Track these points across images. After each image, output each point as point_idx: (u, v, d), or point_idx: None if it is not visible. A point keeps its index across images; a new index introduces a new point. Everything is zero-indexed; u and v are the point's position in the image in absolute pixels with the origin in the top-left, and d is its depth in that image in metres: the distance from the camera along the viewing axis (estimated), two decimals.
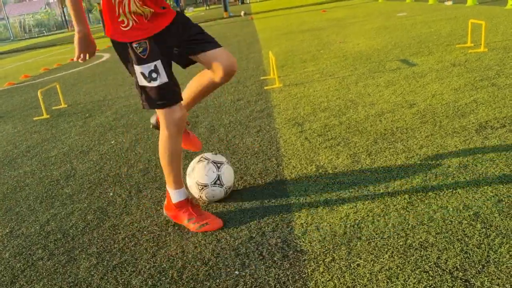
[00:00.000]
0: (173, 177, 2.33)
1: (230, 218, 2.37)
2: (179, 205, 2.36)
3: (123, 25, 2.10)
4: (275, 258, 1.97)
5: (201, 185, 2.51)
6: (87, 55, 2.16)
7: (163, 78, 2.11)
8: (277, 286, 1.79)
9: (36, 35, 50.31)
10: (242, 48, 9.14)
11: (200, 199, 2.58)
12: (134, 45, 2.09)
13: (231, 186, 2.59)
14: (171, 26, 2.20)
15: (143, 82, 2.13)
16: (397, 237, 1.97)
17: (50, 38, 34.79)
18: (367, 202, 2.31)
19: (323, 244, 2.02)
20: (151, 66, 2.09)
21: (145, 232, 2.38)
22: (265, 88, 5.19)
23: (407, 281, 1.70)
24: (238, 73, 6.37)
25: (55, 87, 6.46)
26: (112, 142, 4.05)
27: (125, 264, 2.11)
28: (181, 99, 2.22)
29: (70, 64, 11.81)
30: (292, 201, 2.44)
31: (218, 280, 1.89)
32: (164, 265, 2.06)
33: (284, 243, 2.07)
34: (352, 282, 1.74)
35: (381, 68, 5.27)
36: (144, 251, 2.21)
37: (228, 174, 2.55)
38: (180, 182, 2.36)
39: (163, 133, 2.24)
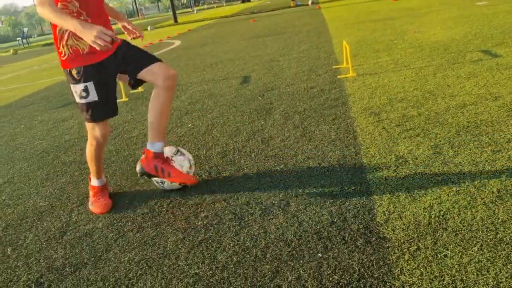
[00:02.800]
0: (94, 171, 2.80)
1: (311, 202, 2.41)
2: (96, 189, 2.81)
3: (62, 56, 2.46)
4: (358, 243, 1.98)
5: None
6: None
7: (92, 97, 2.46)
8: (361, 270, 1.81)
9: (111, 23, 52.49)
10: (312, 37, 9.08)
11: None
12: (72, 69, 2.45)
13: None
14: (110, 57, 2.50)
15: (77, 99, 2.53)
16: (486, 231, 1.92)
17: None
18: (451, 193, 2.26)
19: (406, 232, 2.01)
20: (81, 86, 2.45)
21: (226, 212, 2.47)
22: (339, 77, 5.15)
23: (498, 275, 1.66)
24: (310, 61, 6.37)
25: None
26: (189, 126, 4.19)
27: (210, 241, 2.21)
28: (104, 118, 2.58)
29: None
30: (372, 189, 2.44)
31: (301, 261, 1.93)
32: (248, 244, 2.13)
33: (366, 229, 2.08)
34: (440, 272, 1.72)
35: (461, 59, 5.07)
36: (227, 229, 2.29)
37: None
38: (100, 173, 2.82)
39: (88, 142, 2.71)
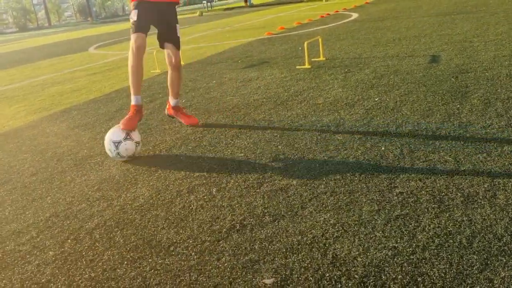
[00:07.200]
0: (132, 86, 3.56)
1: None
2: (134, 108, 3.56)
3: None
4: None
5: (116, 142, 3.30)
6: None
7: (134, 18, 3.50)
8: None
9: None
10: None
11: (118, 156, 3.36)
12: (133, 2, 3.56)
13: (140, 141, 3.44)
14: (157, 4, 3.58)
15: (131, 20, 3.54)
16: None
17: None
18: None
19: None
20: (132, 13, 3.52)
21: (423, 192, 2.39)
22: None
23: None
24: (510, 46, 5.71)
25: (312, 39, 6.84)
26: (376, 100, 4.12)
27: (407, 218, 2.17)
28: (140, 32, 3.45)
29: (320, 21, 12.34)
30: None
31: None
32: (450, 229, 2.04)
33: None
34: None
35: None
36: (425, 209, 2.22)
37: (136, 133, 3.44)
38: (137, 90, 3.56)
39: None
